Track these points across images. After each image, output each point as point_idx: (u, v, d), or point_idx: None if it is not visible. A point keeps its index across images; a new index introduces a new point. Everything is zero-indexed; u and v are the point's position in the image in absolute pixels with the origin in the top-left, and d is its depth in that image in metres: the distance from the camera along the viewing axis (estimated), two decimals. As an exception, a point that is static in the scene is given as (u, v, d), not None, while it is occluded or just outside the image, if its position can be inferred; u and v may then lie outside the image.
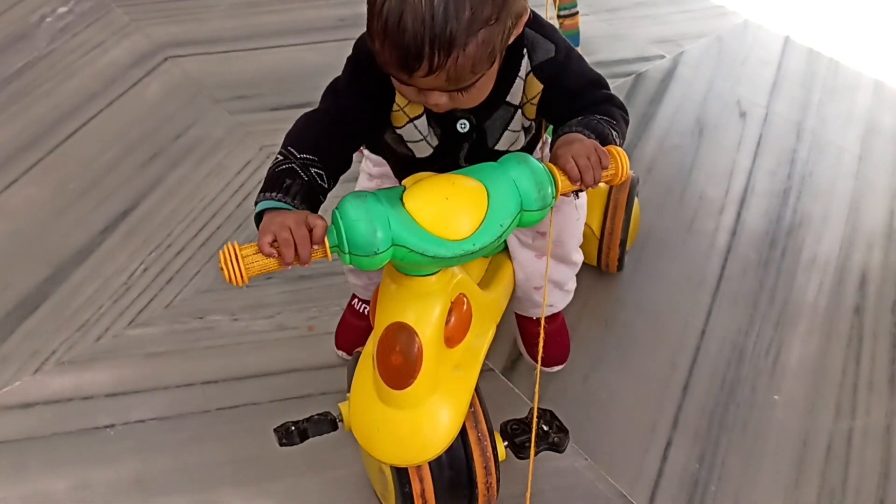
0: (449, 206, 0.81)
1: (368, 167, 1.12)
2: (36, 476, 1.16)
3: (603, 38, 1.98)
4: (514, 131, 0.97)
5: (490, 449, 0.97)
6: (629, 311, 1.37)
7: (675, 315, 1.37)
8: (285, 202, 0.81)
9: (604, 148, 0.85)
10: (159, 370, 1.30)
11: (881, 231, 1.52)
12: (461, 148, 0.96)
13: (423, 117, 0.94)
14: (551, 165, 0.84)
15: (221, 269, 0.77)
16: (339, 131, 0.90)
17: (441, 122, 0.94)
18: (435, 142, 0.96)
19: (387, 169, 1.08)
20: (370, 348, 0.95)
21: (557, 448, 0.99)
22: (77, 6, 2.07)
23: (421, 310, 0.90)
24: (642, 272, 1.42)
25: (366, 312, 1.26)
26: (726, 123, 1.75)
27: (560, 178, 0.84)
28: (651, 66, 1.90)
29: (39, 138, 1.71)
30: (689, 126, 1.74)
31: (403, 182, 0.86)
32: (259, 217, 0.82)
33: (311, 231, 0.77)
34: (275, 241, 0.77)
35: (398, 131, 0.96)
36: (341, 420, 1.01)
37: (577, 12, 1.16)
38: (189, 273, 1.45)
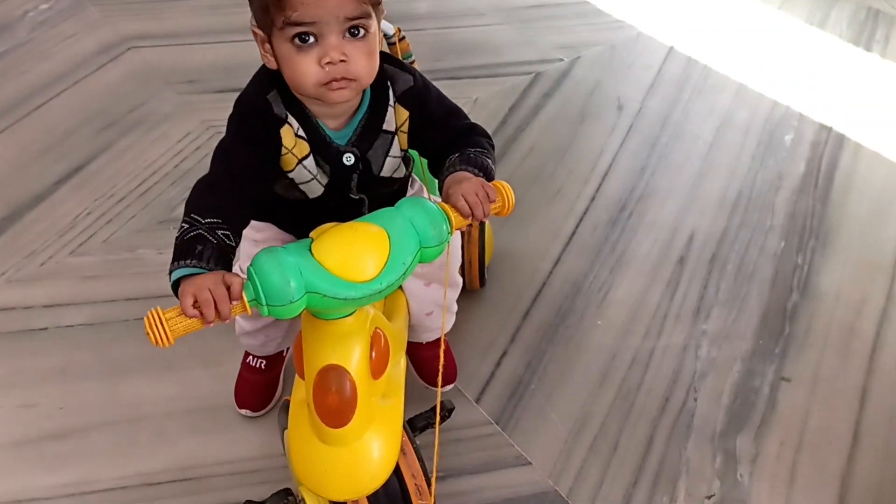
0: (354, 251, 0.87)
1: (251, 234, 1.15)
2: (-22, 362, 1.42)
3: (512, 44, 2.27)
4: (394, 157, 1.04)
5: (421, 476, 1.05)
6: (493, 256, 1.62)
7: (529, 261, 1.63)
8: (200, 266, 0.84)
9: (490, 183, 0.93)
10: (91, 289, 1.56)
11: (714, 202, 1.78)
12: (351, 179, 1.02)
13: (311, 157, 1.00)
14: (443, 204, 0.92)
15: (147, 333, 0.79)
16: (237, 189, 0.93)
17: (328, 158, 1.00)
18: (325, 179, 1.01)
19: (271, 233, 1.14)
20: (300, 395, 1.00)
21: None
22: (57, 3, 2.36)
23: (347, 349, 0.94)
24: (509, 228, 1.68)
25: (262, 367, 1.34)
26: (605, 114, 2.03)
27: (453, 214, 0.91)
28: (550, 67, 2.18)
29: (12, 108, 1.99)
30: (572, 116, 2.01)
31: (311, 235, 0.90)
32: (175, 285, 0.84)
33: (228, 288, 0.81)
34: (195, 302, 0.80)
35: (289, 175, 1.00)
36: (302, 500, 1.05)
37: (404, 37, 1.28)
38: (126, 217, 1.71)
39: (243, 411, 1.34)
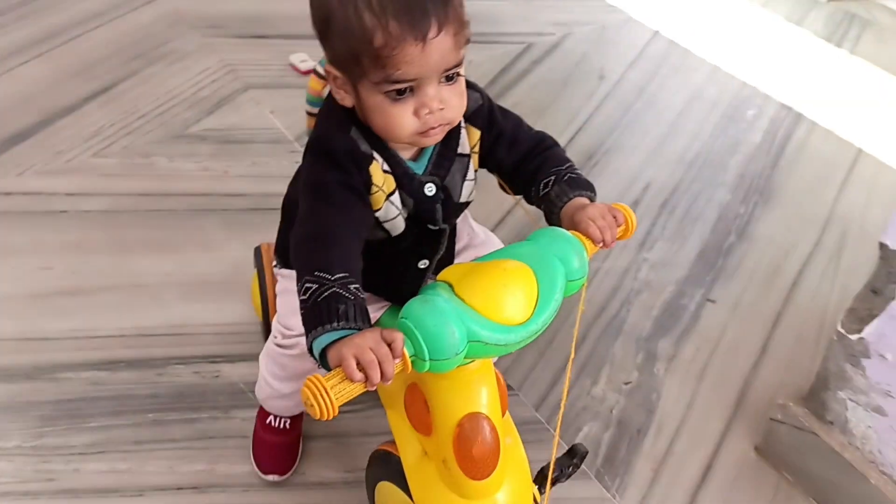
0: (506, 292, 0.81)
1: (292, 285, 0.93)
2: (5, 234, 1.63)
3: (510, 17, 2.47)
4: (470, 180, 0.98)
5: None
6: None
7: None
8: (350, 328, 0.78)
9: (614, 206, 0.92)
10: (108, 184, 1.77)
11: (674, 159, 1.96)
12: (435, 210, 0.96)
13: (397, 192, 0.93)
14: (576, 233, 0.88)
15: (310, 406, 0.74)
16: (351, 237, 0.87)
17: (412, 191, 0.94)
18: (406, 213, 0.95)
19: None
20: (416, 453, 0.96)
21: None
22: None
23: (481, 393, 0.90)
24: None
25: (286, 427, 1.26)
26: (586, 82, 2.22)
27: (586, 242, 0.88)
28: (542, 39, 2.38)
29: (51, 37, 2.21)
30: (556, 81, 2.21)
31: (441, 278, 0.85)
32: (322, 352, 0.79)
33: (389, 345, 0.76)
34: (358, 363, 0.75)
35: (377, 214, 0.93)
36: None
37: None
38: (145, 130, 1.92)
39: (270, 477, 1.25)
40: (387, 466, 1.03)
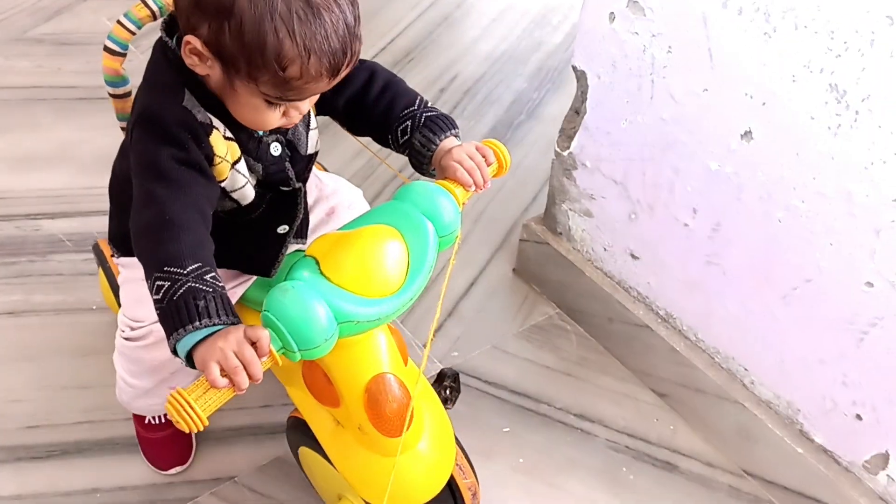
0: (376, 264, 0.78)
1: (137, 272, 0.84)
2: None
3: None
4: (314, 129, 0.95)
5: (464, 460, 1.04)
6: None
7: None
8: (213, 325, 0.73)
9: (482, 144, 0.88)
10: None
11: (481, 56, 2.18)
12: (285, 169, 0.92)
13: (243, 159, 0.88)
14: (442, 182, 0.85)
15: (175, 421, 0.70)
16: (196, 220, 0.80)
17: (258, 154, 0.89)
18: (255, 179, 0.90)
19: None
20: (329, 423, 0.94)
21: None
22: None
23: (381, 354, 0.88)
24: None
25: (162, 421, 1.19)
26: (412, -5, 2.41)
27: (455, 188, 0.84)
28: None
29: None
30: (385, -6, 2.39)
31: (308, 253, 0.81)
32: (188, 355, 0.74)
33: (254, 345, 0.72)
34: (222, 370, 0.71)
35: (223, 185, 0.88)
36: None
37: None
38: None
39: (173, 470, 1.19)
40: (303, 434, 1.02)
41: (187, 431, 0.70)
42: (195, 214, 0.80)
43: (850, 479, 1.15)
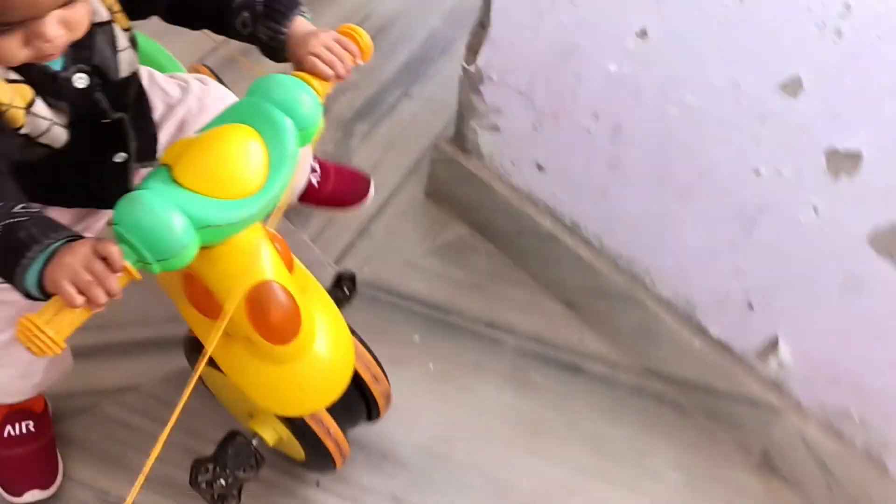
0: (232, 164, 0.75)
1: None
2: None
3: None
4: (124, 49, 0.85)
5: (369, 356, 1.02)
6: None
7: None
8: (48, 245, 0.68)
9: (340, 32, 0.84)
10: None
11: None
12: (97, 102, 0.83)
13: (39, 99, 0.78)
14: (299, 73, 0.81)
15: (28, 347, 0.66)
16: None
17: (58, 92, 0.80)
18: (65, 118, 0.81)
19: None
20: (221, 327, 0.85)
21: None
22: None
23: (262, 260, 0.85)
24: None
25: (30, 429, 1.05)
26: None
27: (314, 81, 0.81)
28: None
29: None
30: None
31: (162, 161, 0.76)
32: (36, 286, 0.69)
33: (104, 260, 0.67)
34: (77, 288, 0.66)
35: (22, 132, 0.78)
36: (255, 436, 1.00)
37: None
38: None
39: (29, 495, 1.03)
40: (196, 350, 0.98)
41: (41, 355, 0.66)
42: None
43: (743, 367, 1.21)
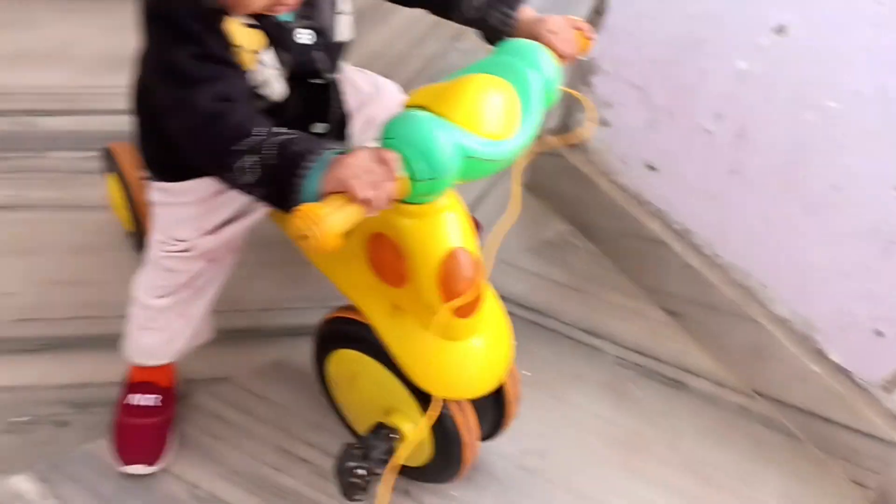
0: (490, 106, 0.75)
1: (170, 198, 0.93)
2: None
3: None
4: (344, 13, 0.89)
5: (516, 369, 0.98)
6: None
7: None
8: (327, 150, 0.70)
9: (567, 23, 0.86)
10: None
11: None
12: (316, 60, 0.85)
13: (272, 48, 0.82)
14: (538, 44, 0.83)
15: (303, 237, 0.65)
16: (233, 105, 0.75)
17: (285, 45, 0.83)
18: (285, 72, 0.84)
19: (206, 192, 0.91)
20: (400, 301, 0.88)
21: None
22: None
23: (458, 229, 0.83)
24: None
25: (158, 403, 1.06)
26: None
27: (553, 54, 0.83)
28: None
29: None
30: None
31: (410, 104, 0.76)
32: (308, 193, 0.68)
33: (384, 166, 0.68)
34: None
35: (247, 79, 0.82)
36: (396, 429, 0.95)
37: None
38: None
39: (133, 468, 1.03)
40: (345, 333, 0.96)
41: (315, 250, 0.65)
42: (227, 103, 0.75)
43: (865, 397, 1.11)
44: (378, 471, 0.91)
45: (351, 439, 1.00)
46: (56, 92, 1.57)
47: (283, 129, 0.72)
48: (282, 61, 0.82)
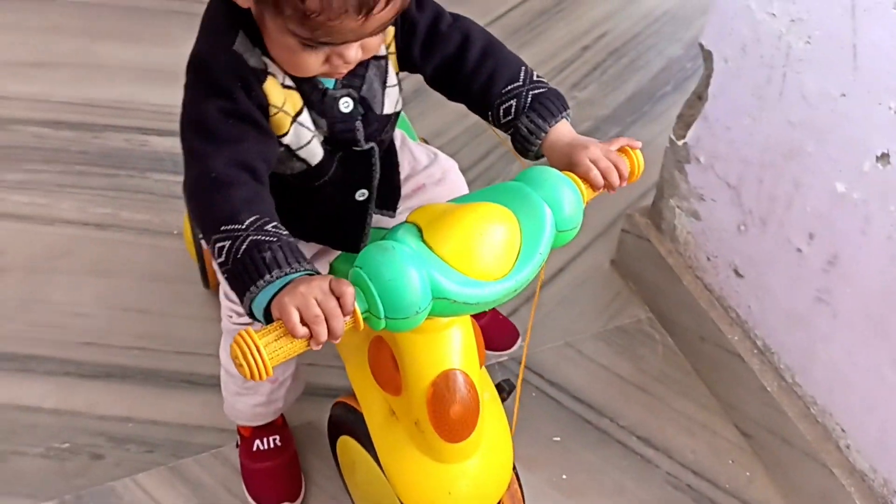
0: (484, 242, 0.69)
1: None
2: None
3: None
4: (393, 86, 0.85)
5: (518, 489, 0.94)
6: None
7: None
8: (286, 274, 0.67)
9: (616, 147, 0.79)
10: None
11: (641, 13, 1.97)
12: (355, 129, 0.83)
13: (305, 111, 0.80)
14: (570, 174, 0.76)
15: (240, 365, 0.63)
16: (245, 177, 0.73)
17: (323, 109, 0.81)
18: (322, 136, 0.82)
19: None
20: (381, 413, 0.85)
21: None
22: None
23: (458, 349, 0.79)
24: None
25: (276, 444, 1.09)
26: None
27: (583, 185, 0.76)
28: None
29: None
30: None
31: (410, 220, 0.73)
32: (262, 310, 0.67)
33: (338, 299, 0.65)
34: (302, 319, 0.64)
35: (284, 141, 0.80)
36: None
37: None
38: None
39: None
40: (348, 421, 0.94)
41: (248, 378, 0.63)
42: (243, 172, 0.73)
43: (943, 586, 0.95)
44: None
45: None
46: (171, 112, 1.62)
47: (272, 228, 0.70)
48: (317, 125, 0.81)
